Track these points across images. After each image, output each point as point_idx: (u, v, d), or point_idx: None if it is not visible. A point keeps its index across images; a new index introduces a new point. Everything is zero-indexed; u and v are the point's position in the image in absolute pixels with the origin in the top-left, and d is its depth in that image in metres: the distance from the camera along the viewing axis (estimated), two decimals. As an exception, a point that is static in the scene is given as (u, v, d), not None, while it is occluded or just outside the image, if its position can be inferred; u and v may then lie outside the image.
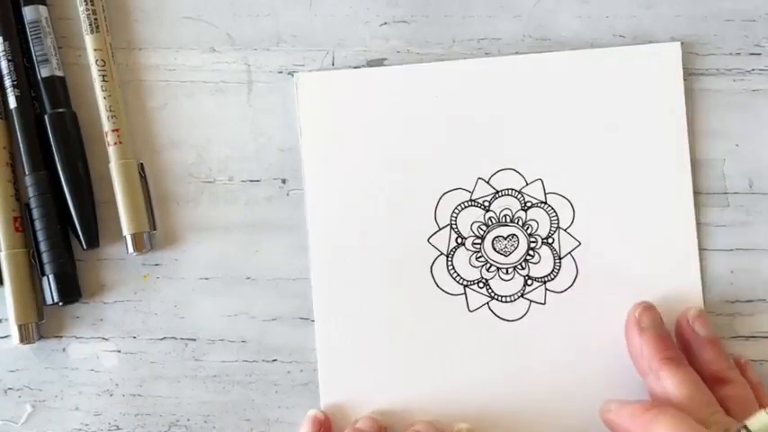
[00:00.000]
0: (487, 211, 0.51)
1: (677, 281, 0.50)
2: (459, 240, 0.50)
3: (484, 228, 0.51)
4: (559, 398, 0.49)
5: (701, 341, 0.48)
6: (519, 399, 0.49)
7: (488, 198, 0.51)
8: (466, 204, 0.51)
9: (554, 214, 0.50)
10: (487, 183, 0.51)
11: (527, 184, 0.51)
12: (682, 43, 0.51)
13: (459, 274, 0.50)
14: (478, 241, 0.50)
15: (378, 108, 0.51)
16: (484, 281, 0.50)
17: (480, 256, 0.50)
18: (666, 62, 0.51)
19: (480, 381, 0.50)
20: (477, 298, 0.50)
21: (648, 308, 0.48)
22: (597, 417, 0.47)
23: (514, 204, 0.51)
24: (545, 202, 0.51)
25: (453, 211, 0.51)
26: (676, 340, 0.48)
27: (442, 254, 0.50)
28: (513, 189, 0.51)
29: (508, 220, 0.51)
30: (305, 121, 0.51)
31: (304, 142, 0.51)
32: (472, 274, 0.50)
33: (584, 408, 0.49)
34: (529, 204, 0.51)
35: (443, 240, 0.50)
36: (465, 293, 0.50)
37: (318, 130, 0.51)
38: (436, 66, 0.51)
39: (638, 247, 0.50)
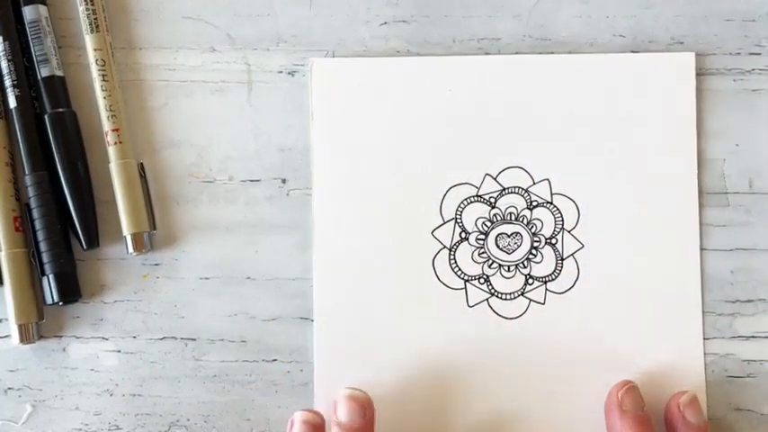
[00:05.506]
0: (493, 207, 0.51)
1: (677, 281, 0.50)
2: (463, 235, 0.50)
3: (488, 224, 0.51)
4: (554, 398, 0.49)
5: (691, 429, 0.47)
6: (514, 396, 0.49)
7: (495, 195, 0.51)
8: (472, 199, 0.51)
9: (559, 215, 0.51)
10: (495, 179, 0.51)
11: (534, 184, 0.51)
12: (696, 52, 0.51)
13: (460, 269, 0.50)
14: (482, 237, 0.50)
15: (390, 97, 0.51)
16: (485, 277, 0.50)
17: (483, 252, 0.50)
18: (679, 71, 0.51)
19: (476, 377, 0.50)
20: (477, 293, 0.50)
21: (631, 389, 0.48)
22: (586, 419, 0.48)
23: (520, 203, 0.51)
24: (551, 203, 0.51)
25: (459, 206, 0.51)
26: (665, 422, 0.48)
27: (444, 247, 0.50)
28: (519, 187, 0.51)
29: (513, 217, 0.51)
30: (316, 106, 0.51)
31: (314, 127, 0.51)
32: (474, 270, 0.50)
33: (577, 411, 0.49)
34: (535, 203, 0.51)
35: (447, 234, 0.50)
36: (465, 288, 0.50)
37: (329, 115, 0.51)
38: (451, 59, 0.51)
39: (641, 252, 0.50)
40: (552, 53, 0.52)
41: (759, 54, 0.52)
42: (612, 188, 0.50)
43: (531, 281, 0.50)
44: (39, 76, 0.51)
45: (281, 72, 0.52)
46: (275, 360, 0.51)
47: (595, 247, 0.50)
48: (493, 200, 0.51)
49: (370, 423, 0.47)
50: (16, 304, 0.49)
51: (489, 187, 0.51)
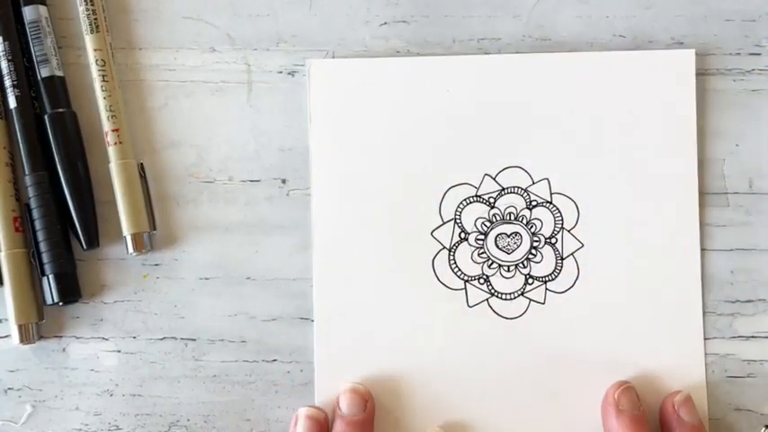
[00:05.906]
0: (492, 207, 0.51)
1: (677, 281, 0.50)
2: (463, 235, 0.50)
3: (488, 224, 0.51)
4: (553, 398, 0.49)
5: (685, 428, 0.47)
6: (513, 396, 0.50)
7: (494, 195, 0.51)
8: (471, 200, 0.51)
9: (558, 214, 0.51)
10: (494, 179, 0.51)
11: (533, 183, 0.51)
12: (696, 52, 0.51)
13: (460, 269, 0.50)
14: (482, 237, 0.50)
15: (388, 98, 0.51)
16: (485, 277, 0.50)
17: (482, 253, 0.50)
18: (679, 69, 0.51)
19: (476, 377, 0.50)
20: (477, 294, 0.50)
21: (627, 389, 0.48)
22: (586, 419, 0.48)
23: (519, 202, 0.51)
24: (550, 202, 0.51)
25: (458, 206, 0.51)
26: (659, 422, 0.48)
27: (444, 248, 0.50)
28: (519, 187, 0.51)
29: (512, 217, 0.51)
30: (314, 107, 0.51)
31: (312, 129, 0.51)
32: (473, 270, 0.50)
33: (577, 411, 0.49)
34: (534, 203, 0.51)
35: (447, 234, 0.50)
36: (465, 288, 0.50)
37: (327, 117, 0.51)
38: (450, 59, 0.51)
39: (641, 252, 0.50)
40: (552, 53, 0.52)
41: (759, 54, 0.52)
42: (612, 188, 0.50)
43: (530, 281, 0.50)
44: (39, 77, 0.51)
45: (280, 72, 0.52)
46: (275, 360, 0.51)
47: (595, 246, 0.50)
48: (492, 200, 0.51)
49: (370, 416, 0.48)
50: (16, 304, 0.49)
51: (488, 187, 0.51)
